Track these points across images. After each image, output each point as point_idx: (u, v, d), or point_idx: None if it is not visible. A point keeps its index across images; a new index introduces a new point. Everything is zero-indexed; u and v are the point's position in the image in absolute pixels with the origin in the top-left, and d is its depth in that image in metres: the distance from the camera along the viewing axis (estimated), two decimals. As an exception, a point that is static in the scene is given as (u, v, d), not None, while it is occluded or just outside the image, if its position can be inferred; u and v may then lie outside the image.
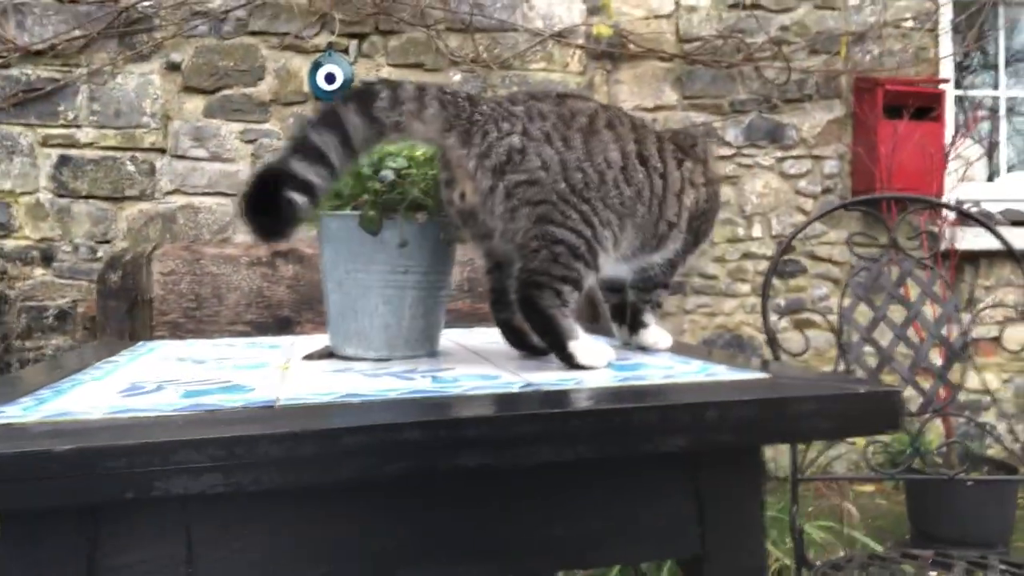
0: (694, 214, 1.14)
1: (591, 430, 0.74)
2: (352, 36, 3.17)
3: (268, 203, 0.87)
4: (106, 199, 3.10)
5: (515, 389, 0.84)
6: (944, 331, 1.63)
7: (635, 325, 1.17)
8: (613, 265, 1.08)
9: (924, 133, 3.09)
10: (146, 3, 3.09)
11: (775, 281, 3.40)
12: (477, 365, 1.02)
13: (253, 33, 3.14)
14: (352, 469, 0.67)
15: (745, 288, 3.37)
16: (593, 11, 3.26)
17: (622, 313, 1.19)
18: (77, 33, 3.06)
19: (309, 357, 1.11)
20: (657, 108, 3.32)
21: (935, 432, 2.92)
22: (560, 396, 0.82)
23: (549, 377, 0.91)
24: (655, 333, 1.16)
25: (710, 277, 3.37)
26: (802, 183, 3.40)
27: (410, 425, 0.69)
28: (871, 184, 3.16)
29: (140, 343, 1.44)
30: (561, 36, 3.22)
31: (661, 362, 1.03)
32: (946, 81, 3.34)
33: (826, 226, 3.34)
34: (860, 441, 2.28)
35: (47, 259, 3.07)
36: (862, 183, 3.28)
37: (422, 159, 1.07)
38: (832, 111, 3.37)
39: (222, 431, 0.67)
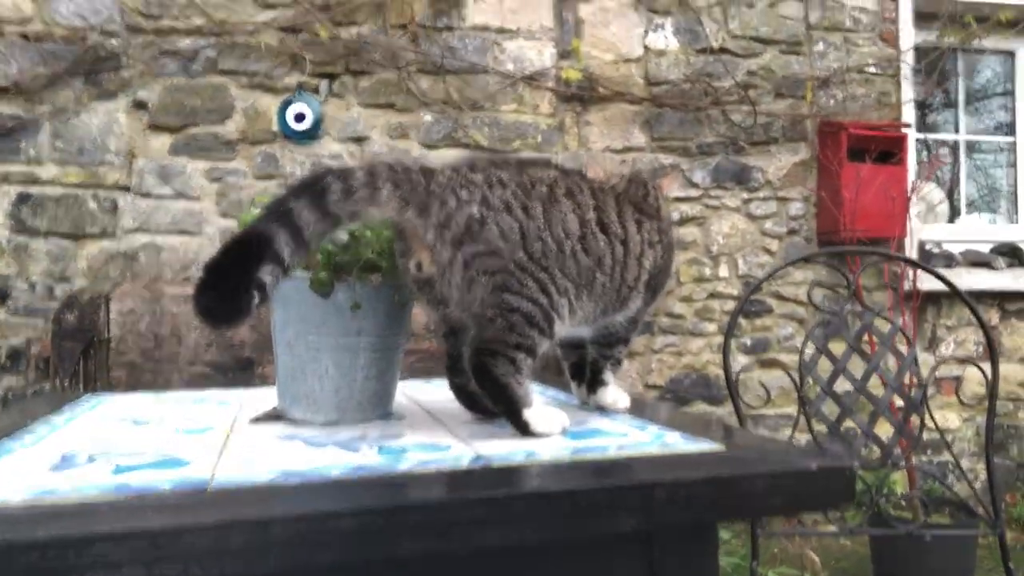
0: (653, 273, 1.13)
1: (539, 512, 0.72)
2: (323, 76, 3.16)
3: (220, 292, 0.85)
4: (66, 236, 3.04)
5: (464, 464, 0.81)
6: (907, 379, 1.63)
7: (594, 384, 1.15)
8: (572, 328, 1.07)
9: (887, 176, 3.13)
10: (113, 41, 3.06)
11: (741, 320, 3.41)
12: (428, 431, 0.99)
13: (223, 72, 3.12)
14: (282, 560, 0.64)
15: (712, 327, 3.37)
16: (564, 55, 3.29)
17: (581, 371, 1.17)
18: (42, 71, 3.02)
19: (256, 420, 1.08)
20: (626, 149, 3.34)
21: (901, 475, 2.93)
22: (510, 473, 0.80)
23: (501, 448, 0.88)
24: (613, 393, 1.14)
25: (677, 316, 3.38)
26: (768, 224, 3.43)
27: (345, 514, 0.66)
28: (835, 226, 3.20)
29: (84, 396, 1.40)
30: (532, 79, 3.24)
31: (617, 427, 1.01)
32: (908, 125, 3.40)
33: (792, 267, 3.36)
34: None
35: (1, 297, 2.99)
36: (826, 224, 3.32)
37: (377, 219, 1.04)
38: (797, 154, 3.41)
39: (147, 520, 0.64)
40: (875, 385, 1.67)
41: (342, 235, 1.02)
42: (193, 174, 3.08)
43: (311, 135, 3.15)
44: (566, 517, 0.72)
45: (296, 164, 3.15)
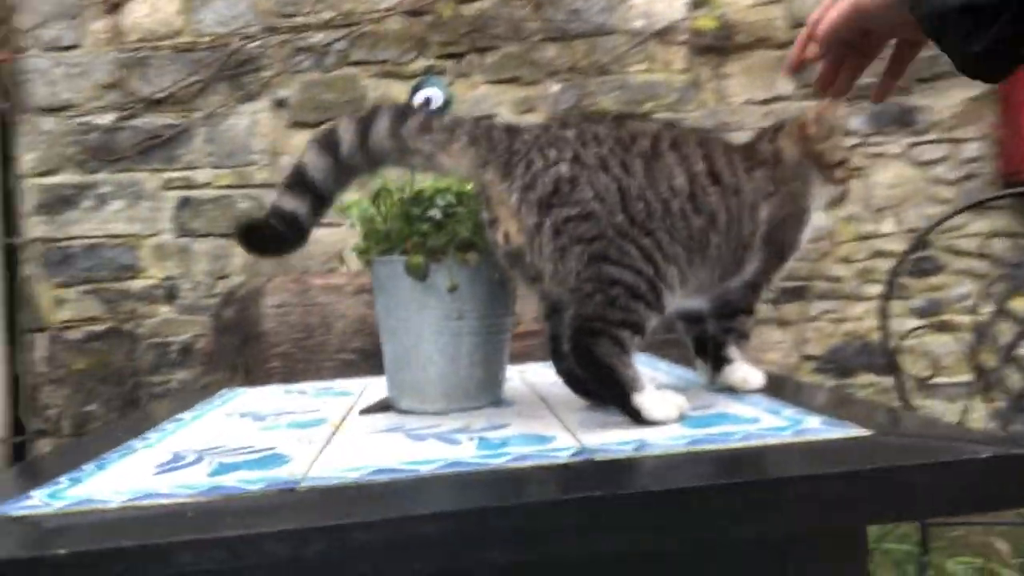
0: (771, 227, 0.99)
1: (647, 515, 0.63)
2: (449, 56, 3.15)
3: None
4: (222, 236, 3.21)
5: (564, 458, 0.74)
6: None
7: (719, 361, 1.02)
8: (686, 299, 0.96)
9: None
10: (253, 44, 3.19)
11: (910, 280, 3.09)
12: (536, 420, 0.92)
13: (354, 63, 3.18)
14: (362, 569, 0.60)
15: (875, 290, 3.07)
16: (697, 4, 3.08)
17: (704, 348, 1.06)
18: (193, 79, 3.20)
19: (366, 411, 1.05)
20: (771, 100, 3.09)
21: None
22: (615, 468, 0.71)
23: (610, 438, 0.80)
24: (742, 370, 1.01)
25: (835, 279, 3.10)
26: (938, 170, 3.07)
27: (427, 517, 0.61)
28: (1022, 164, 2.81)
29: (222, 391, 1.44)
30: (663, 34, 3.06)
31: (746, 411, 0.89)
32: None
33: (968, 216, 2.99)
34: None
35: (170, 297, 3.22)
36: (1012, 164, 2.92)
37: (472, 194, 0.98)
38: (971, 88, 3.02)
39: (227, 527, 0.62)
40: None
41: (435, 213, 0.96)
42: (332, 167, 3.16)
43: (441, 118, 3.15)
44: (679, 520, 0.63)
45: (428, 148, 3.16)
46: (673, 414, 0.85)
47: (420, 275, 0.96)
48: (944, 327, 3.06)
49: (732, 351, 1.01)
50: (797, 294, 3.10)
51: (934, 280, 3.10)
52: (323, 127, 0.94)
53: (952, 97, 3.05)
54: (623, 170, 0.87)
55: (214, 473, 0.77)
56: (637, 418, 0.85)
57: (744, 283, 1.00)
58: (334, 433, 0.94)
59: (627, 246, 0.86)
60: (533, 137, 0.89)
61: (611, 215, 0.86)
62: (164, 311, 3.25)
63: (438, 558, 0.61)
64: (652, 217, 0.87)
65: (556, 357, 0.99)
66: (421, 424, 0.94)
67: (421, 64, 3.16)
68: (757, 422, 0.83)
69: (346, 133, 0.91)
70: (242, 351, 2.82)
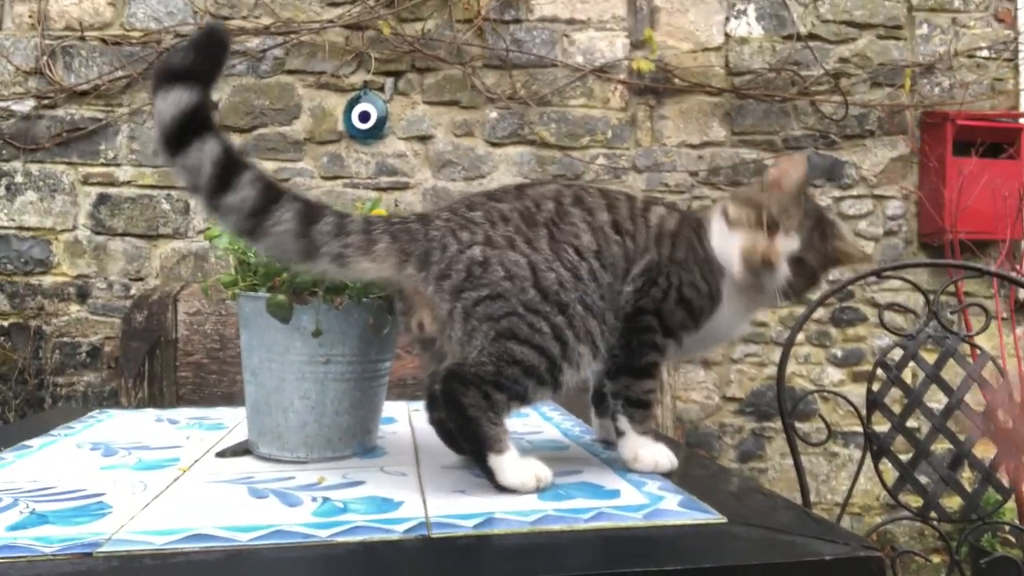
0: (659, 264, 0.93)
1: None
2: (388, 74, 3.10)
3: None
4: (141, 236, 3.10)
5: (399, 532, 0.69)
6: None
7: (617, 428, 0.94)
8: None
9: (999, 171, 2.79)
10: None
11: (832, 330, 3.15)
12: (392, 478, 0.88)
13: (290, 72, 3.10)
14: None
15: (799, 337, 3.12)
16: (636, 45, 3.10)
17: (603, 401, 1.00)
18: (120, 73, 3.08)
19: (222, 454, 0.99)
20: (704, 144, 3.12)
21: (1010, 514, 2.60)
22: (438, 551, 0.67)
23: (459, 507, 0.75)
24: (631, 447, 0.92)
25: (760, 324, 3.14)
26: (862, 224, 3.13)
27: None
28: (939, 227, 2.88)
29: (95, 411, 1.36)
30: (603, 71, 3.07)
31: (609, 482, 0.86)
32: (1026, 115, 3.04)
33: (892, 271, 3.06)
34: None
35: (82, 296, 3.08)
36: (929, 224, 3.00)
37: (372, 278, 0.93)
38: (895, 148, 3.10)
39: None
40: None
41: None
42: (260, 175, 3.08)
43: (376, 134, 3.09)
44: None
45: (361, 164, 3.10)
46: (529, 483, 0.81)
47: (283, 316, 0.91)
48: (864, 377, 3.12)
49: (622, 422, 0.92)
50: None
51: (852, 331, 3.16)
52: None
53: (878, 155, 3.12)
54: (529, 245, 0.86)
55: (15, 527, 0.70)
56: (492, 479, 0.81)
57: (616, 332, 0.92)
58: (176, 479, 0.87)
59: (539, 322, 0.83)
60: (444, 222, 0.86)
61: (522, 292, 0.83)
62: (75, 310, 3.11)
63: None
64: (564, 288, 0.85)
65: (430, 404, 0.95)
66: (272, 475, 0.89)
67: (359, 78, 3.10)
68: (615, 497, 0.80)
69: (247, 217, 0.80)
70: (151, 358, 2.71)
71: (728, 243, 0.94)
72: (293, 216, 0.80)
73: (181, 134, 0.76)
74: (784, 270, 0.92)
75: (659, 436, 0.98)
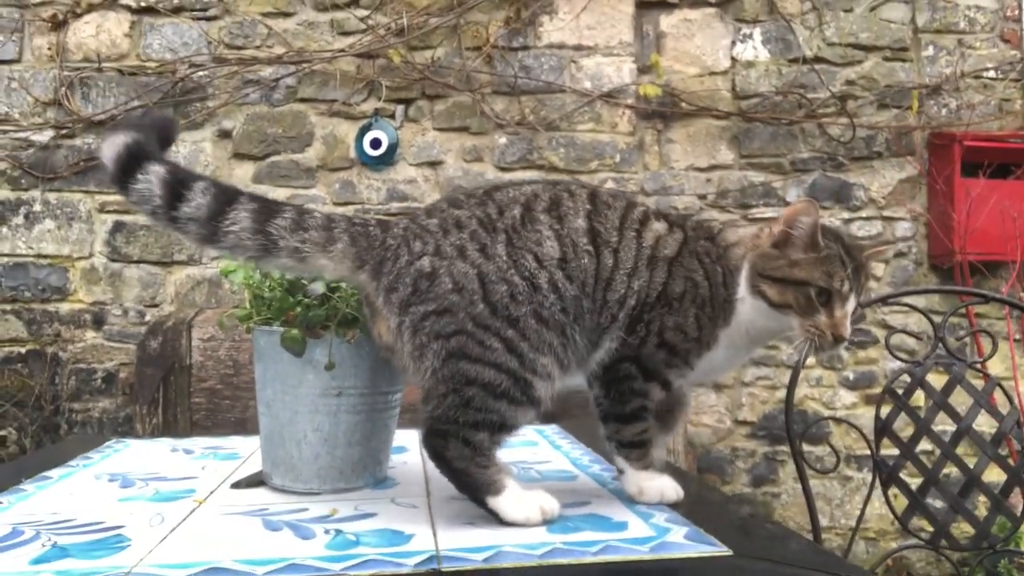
0: (647, 301, 0.87)
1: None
2: (399, 101, 3.14)
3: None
4: (156, 263, 3.14)
5: (410, 566, 0.70)
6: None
7: (617, 468, 0.94)
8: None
9: (1008, 192, 2.80)
10: (201, 72, 3.15)
11: (843, 353, 3.14)
12: (404, 511, 0.89)
13: (302, 100, 3.15)
14: None
15: (809, 360, 3.12)
16: (644, 70, 3.14)
17: None
18: (136, 103, 3.14)
19: (237, 485, 1.01)
20: (712, 167, 3.14)
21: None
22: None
23: (469, 540, 0.77)
24: (634, 482, 0.91)
25: (771, 347, 3.14)
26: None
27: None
28: (948, 248, 2.88)
29: (112, 440, 1.38)
30: (610, 96, 3.10)
31: (617, 514, 0.87)
32: (1035, 135, 3.04)
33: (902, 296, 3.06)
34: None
35: (98, 322, 3.12)
36: (938, 247, 3.00)
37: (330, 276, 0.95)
38: (903, 170, 3.11)
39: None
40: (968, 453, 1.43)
41: (317, 288, 0.94)
42: (273, 201, 3.11)
43: (387, 161, 3.13)
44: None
45: (373, 190, 3.14)
46: (534, 517, 0.81)
47: (297, 350, 0.93)
48: (876, 400, 3.11)
49: (619, 462, 0.92)
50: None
51: (863, 354, 3.16)
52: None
53: (886, 177, 3.13)
54: (482, 254, 0.82)
55: (38, 560, 0.72)
56: (497, 518, 0.82)
57: (599, 365, 0.89)
58: (193, 511, 0.89)
59: (489, 339, 0.81)
60: (401, 230, 0.86)
61: (470, 306, 0.81)
62: (91, 336, 3.15)
63: None
64: (516, 300, 0.81)
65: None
66: (286, 507, 0.90)
67: (370, 106, 3.15)
68: (623, 530, 0.81)
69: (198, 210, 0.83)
70: (165, 384, 2.74)
71: (777, 322, 0.88)
72: (249, 214, 0.83)
73: (127, 169, 0.82)
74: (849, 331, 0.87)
75: (667, 466, 0.99)
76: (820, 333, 0.85)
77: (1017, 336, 2.92)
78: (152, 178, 0.82)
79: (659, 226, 0.91)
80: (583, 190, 0.91)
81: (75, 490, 1.01)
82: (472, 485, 0.82)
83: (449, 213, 0.87)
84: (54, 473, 1.10)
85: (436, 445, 0.83)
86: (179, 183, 0.82)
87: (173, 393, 2.76)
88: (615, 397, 0.89)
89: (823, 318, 0.86)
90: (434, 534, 0.79)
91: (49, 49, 3.08)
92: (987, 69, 3.14)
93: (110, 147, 0.82)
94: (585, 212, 0.88)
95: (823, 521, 3.01)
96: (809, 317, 0.86)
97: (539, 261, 0.84)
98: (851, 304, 0.87)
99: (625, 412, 0.90)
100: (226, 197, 0.83)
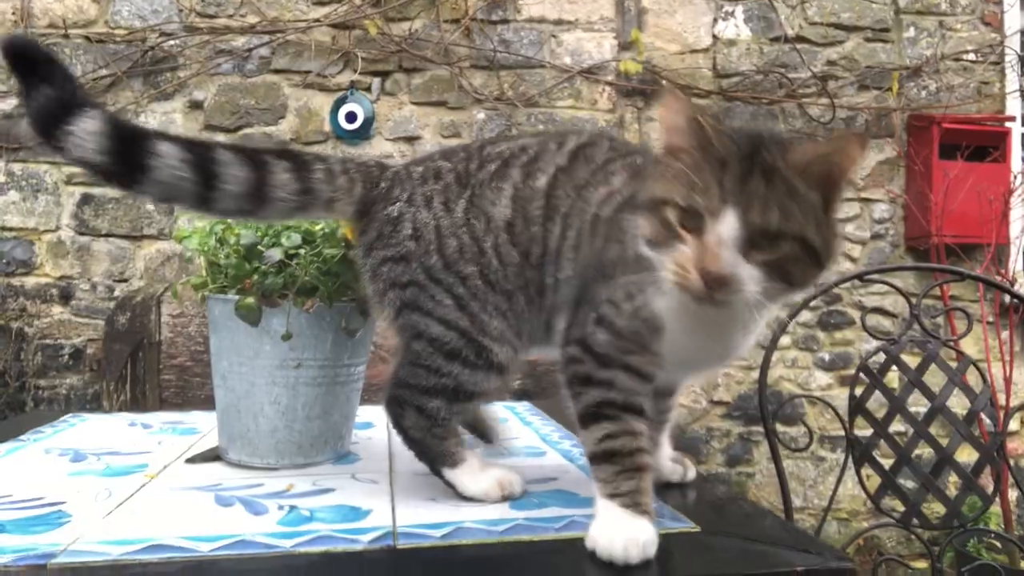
0: (589, 264, 0.73)
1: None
2: (375, 74, 3.08)
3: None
4: (125, 237, 3.07)
5: (365, 542, 0.67)
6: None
7: None
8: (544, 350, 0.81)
9: (984, 175, 2.79)
10: (171, 41, 3.06)
11: (819, 334, 3.14)
12: (363, 486, 0.86)
13: (276, 71, 3.08)
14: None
15: (785, 340, 3.11)
16: (624, 47, 3.10)
17: None
18: (104, 72, 3.05)
19: (192, 460, 0.97)
20: (692, 147, 3.12)
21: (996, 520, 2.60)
22: (399, 561, 0.65)
23: (428, 516, 0.74)
24: (598, 525, 0.67)
25: (747, 328, 3.13)
26: (849, 228, 3.13)
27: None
28: (925, 230, 2.88)
29: (69, 415, 1.34)
30: (590, 73, 3.06)
31: (585, 490, 0.85)
32: (1012, 119, 3.04)
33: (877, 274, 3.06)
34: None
35: (65, 297, 3.05)
36: (915, 229, 3.00)
37: (319, 235, 0.92)
38: (882, 151, 3.10)
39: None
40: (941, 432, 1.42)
41: (275, 254, 0.89)
42: (244, 175, 3.05)
43: (363, 135, 3.07)
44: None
45: (347, 164, 3.08)
46: (493, 493, 0.78)
47: (252, 319, 0.89)
48: (851, 381, 3.11)
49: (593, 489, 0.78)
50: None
51: (839, 335, 3.16)
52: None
53: (865, 158, 3.12)
54: (444, 207, 0.79)
55: (-32, 537, 0.68)
56: (455, 491, 0.79)
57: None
58: (143, 486, 0.86)
59: (440, 294, 0.77)
60: (391, 174, 0.85)
61: (425, 256, 0.78)
62: (57, 312, 3.08)
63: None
64: (464, 258, 0.77)
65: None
66: (241, 482, 0.87)
67: (346, 78, 3.08)
68: (589, 505, 0.78)
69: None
70: (134, 360, 2.68)
71: (658, 267, 0.65)
72: (289, 171, 0.80)
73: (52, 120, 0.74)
74: (747, 271, 0.60)
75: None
76: (682, 272, 0.61)
77: (990, 318, 2.94)
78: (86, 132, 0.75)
79: (616, 180, 0.76)
80: (575, 138, 0.81)
81: (23, 465, 0.97)
82: (428, 456, 0.80)
83: (434, 164, 0.84)
84: (2, 448, 1.06)
85: (395, 414, 0.80)
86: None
87: (142, 370, 2.71)
88: (572, 394, 0.74)
89: (686, 249, 0.61)
90: (393, 510, 0.76)
91: (14, 14, 2.99)
92: (967, 52, 3.13)
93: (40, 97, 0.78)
94: (556, 168, 0.78)
95: (796, 502, 3.03)
96: (672, 251, 0.63)
97: (488, 222, 0.78)
98: (729, 225, 0.60)
99: (580, 411, 0.73)
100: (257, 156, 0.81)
